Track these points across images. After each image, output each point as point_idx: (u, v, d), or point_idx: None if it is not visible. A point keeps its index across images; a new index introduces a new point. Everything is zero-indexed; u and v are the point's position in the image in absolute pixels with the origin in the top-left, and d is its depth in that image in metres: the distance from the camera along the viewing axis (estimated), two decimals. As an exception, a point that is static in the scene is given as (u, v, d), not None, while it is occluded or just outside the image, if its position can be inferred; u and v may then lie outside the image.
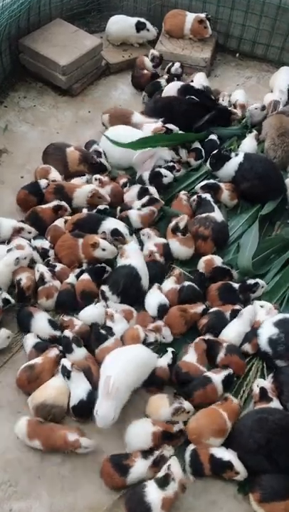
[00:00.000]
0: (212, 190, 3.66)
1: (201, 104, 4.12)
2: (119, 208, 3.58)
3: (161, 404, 2.62)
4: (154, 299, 3.05)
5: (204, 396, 2.68)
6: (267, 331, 2.87)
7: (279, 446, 2.38)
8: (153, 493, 2.26)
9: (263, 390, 2.68)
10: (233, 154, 3.81)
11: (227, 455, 2.41)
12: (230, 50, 5.26)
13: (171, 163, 3.91)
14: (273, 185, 3.75)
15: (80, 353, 2.80)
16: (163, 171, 3.78)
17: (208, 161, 3.86)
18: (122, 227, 3.32)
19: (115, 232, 3.27)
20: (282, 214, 3.77)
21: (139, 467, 2.40)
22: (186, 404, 2.58)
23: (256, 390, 2.69)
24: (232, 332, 2.92)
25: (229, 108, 4.31)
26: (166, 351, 2.86)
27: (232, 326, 2.94)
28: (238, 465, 2.39)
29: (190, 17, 4.87)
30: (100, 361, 2.74)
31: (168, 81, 4.48)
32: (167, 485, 2.26)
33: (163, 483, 2.27)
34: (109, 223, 3.32)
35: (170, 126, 3.96)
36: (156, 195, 3.58)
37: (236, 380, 2.82)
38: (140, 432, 2.51)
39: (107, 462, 2.46)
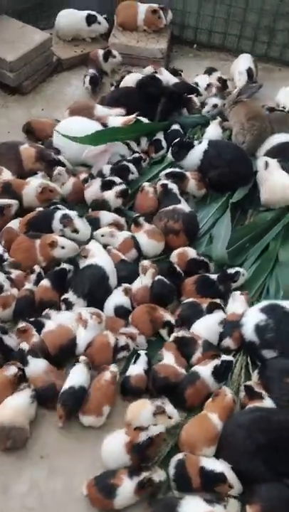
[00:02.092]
0: (177, 178, 3.42)
1: (153, 93, 3.92)
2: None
3: (142, 408, 2.33)
4: (111, 300, 2.79)
5: (196, 393, 2.41)
6: (253, 319, 2.62)
7: (281, 450, 2.11)
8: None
9: (248, 388, 2.41)
10: (196, 142, 3.61)
11: (219, 466, 2.11)
12: (187, 41, 5.09)
13: (138, 155, 3.66)
14: (243, 172, 3.54)
15: (39, 365, 2.47)
16: (131, 167, 3.54)
17: (170, 150, 3.63)
18: (71, 212, 3.09)
19: (63, 216, 3.02)
20: (254, 201, 3.54)
21: (127, 487, 2.10)
22: (169, 408, 2.29)
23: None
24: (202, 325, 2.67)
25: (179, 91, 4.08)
26: (139, 355, 2.56)
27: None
28: (232, 477, 2.09)
29: (142, 8, 4.68)
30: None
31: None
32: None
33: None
34: (61, 212, 3.07)
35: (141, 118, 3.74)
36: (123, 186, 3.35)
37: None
38: (114, 448, 2.20)
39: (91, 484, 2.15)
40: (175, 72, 4.45)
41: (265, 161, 3.44)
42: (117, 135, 3.65)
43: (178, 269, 2.96)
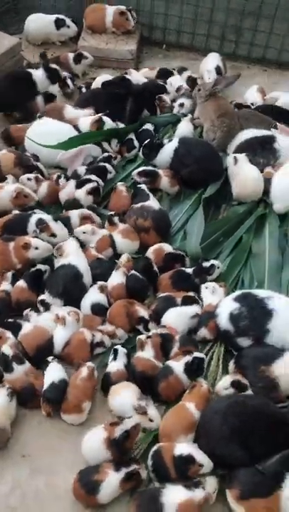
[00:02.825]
0: (150, 176, 3.46)
1: (120, 93, 3.96)
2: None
3: (123, 390, 2.39)
4: (88, 298, 2.81)
5: (169, 387, 2.45)
6: (227, 308, 2.67)
7: (255, 433, 2.15)
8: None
9: (234, 383, 2.42)
10: (166, 141, 3.66)
11: (186, 449, 2.14)
12: (156, 42, 5.15)
13: (107, 154, 3.70)
14: (213, 168, 3.60)
15: (20, 369, 2.48)
16: (108, 167, 3.58)
17: (141, 151, 3.69)
18: (46, 216, 3.10)
19: (39, 222, 3.03)
20: (227, 196, 3.60)
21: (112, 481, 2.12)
22: (152, 412, 2.32)
23: (226, 384, 2.44)
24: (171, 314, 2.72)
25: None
26: (117, 351, 2.59)
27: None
28: (199, 456, 2.12)
29: (110, 10, 4.73)
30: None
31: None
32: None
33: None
34: (37, 217, 3.08)
35: (105, 117, 3.78)
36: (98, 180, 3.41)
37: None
38: (94, 444, 2.22)
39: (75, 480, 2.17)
40: (167, 73, 4.48)
41: (234, 156, 3.49)
42: (89, 139, 3.68)
43: (154, 267, 2.99)
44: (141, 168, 3.53)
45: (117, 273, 2.90)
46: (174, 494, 2.05)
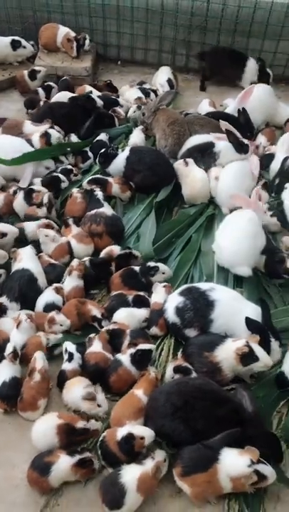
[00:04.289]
0: (100, 184, 3.63)
1: (81, 107, 4.16)
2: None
3: (76, 383, 2.50)
4: (42, 298, 2.94)
5: (119, 380, 2.57)
6: (172, 302, 2.82)
7: (195, 409, 2.28)
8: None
9: (175, 369, 2.57)
10: (120, 150, 3.83)
11: (125, 430, 2.26)
12: (111, 58, 5.37)
13: (69, 167, 3.87)
14: (163, 174, 3.77)
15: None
16: (61, 177, 3.74)
17: (97, 160, 3.86)
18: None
19: None
20: (178, 199, 3.79)
21: (63, 464, 2.23)
22: (100, 397, 2.45)
23: (171, 372, 2.59)
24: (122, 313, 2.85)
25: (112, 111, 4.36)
26: (72, 355, 2.68)
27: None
28: (138, 430, 2.24)
29: (62, 30, 4.94)
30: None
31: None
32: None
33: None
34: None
35: (50, 130, 3.95)
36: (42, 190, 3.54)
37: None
38: (45, 429, 2.34)
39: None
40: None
41: (183, 159, 3.69)
42: (42, 156, 3.85)
43: (111, 266, 3.14)
44: (91, 177, 3.69)
45: (71, 277, 3.02)
46: (130, 473, 2.16)
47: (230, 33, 4.90)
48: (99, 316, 2.87)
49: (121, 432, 2.25)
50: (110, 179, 3.67)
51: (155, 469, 2.14)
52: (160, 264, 3.15)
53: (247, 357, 2.47)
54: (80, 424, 2.37)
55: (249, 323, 2.65)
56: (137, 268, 3.12)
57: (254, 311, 2.74)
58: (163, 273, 3.13)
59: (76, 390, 2.51)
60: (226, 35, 4.93)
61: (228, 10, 4.71)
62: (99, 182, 3.63)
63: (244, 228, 3.11)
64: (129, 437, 2.21)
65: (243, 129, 3.98)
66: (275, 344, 2.68)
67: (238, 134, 3.73)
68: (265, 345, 2.61)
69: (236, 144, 3.72)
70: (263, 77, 4.78)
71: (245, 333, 2.68)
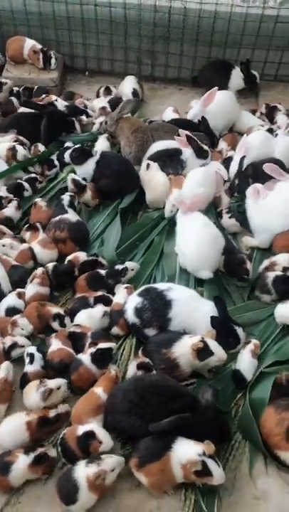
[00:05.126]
0: (79, 188, 3.72)
1: (36, 114, 4.26)
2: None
3: (30, 391, 2.53)
4: (4, 302, 3.00)
5: (80, 378, 2.62)
6: (132, 303, 2.89)
7: (151, 404, 2.36)
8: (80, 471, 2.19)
9: (138, 365, 2.65)
10: (94, 152, 3.92)
11: (88, 427, 2.32)
12: (79, 69, 5.48)
13: (33, 175, 3.94)
14: (128, 181, 3.86)
15: None
16: (25, 185, 3.82)
17: (70, 155, 3.89)
18: None
19: None
20: (143, 204, 3.88)
21: (21, 463, 2.28)
22: (50, 383, 2.51)
23: (134, 369, 2.66)
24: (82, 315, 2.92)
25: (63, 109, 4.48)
26: (33, 355, 2.72)
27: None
28: (100, 433, 2.30)
29: (28, 43, 5.02)
30: None
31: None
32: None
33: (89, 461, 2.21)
34: None
35: (18, 146, 4.03)
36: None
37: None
38: (12, 427, 2.40)
39: None
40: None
41: (146, 163, 3.79)
42: (13, 171, 3.96)
43: (75, 271, 3.22)
44: (76, 177, 3.76)
45: (32, 284, 3.07)
46: (81, 469, 2.22)
47: (192, 43, 5.03)
48: (62, 312, 2.93)
49: (83, 429, 2.31)
50: (87, 185, 3.76)
51: (95, 477, 2.17)
52: (127, 263, 3.23)
53: (202, 352, 2.56)
54: (52, 412, 2.46)
55: (212, 320, 2.74)
56: (102, 271, 3.19)
57: (211, 308, 2.83)
58: (132, 269, 3.23)
59: (34, 394, 2.54)
60: (188, 45, 5.06)
61: (189, 20, 4.84)
62: (79, 185, 3.71)
63: (202, 234, 3.20)
64: (90, 435, 2.28)
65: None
66: (239, 330, 2.81)
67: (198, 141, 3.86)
68: (232, 336, 2.77)
69: (197, 150, 3.84)
70: (249, 80, 4.90)
71: (203, 330, 2.77)
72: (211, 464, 2.18)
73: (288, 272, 3.11)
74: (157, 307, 2.81)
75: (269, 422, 2.40)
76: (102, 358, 2.65)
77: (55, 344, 2.74)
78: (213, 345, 2.58)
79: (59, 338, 2.77)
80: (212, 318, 2.74)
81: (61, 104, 4.57)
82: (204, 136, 4.23)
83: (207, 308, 2.84)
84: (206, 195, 3.66)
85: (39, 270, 3.12)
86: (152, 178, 3.76)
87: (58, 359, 2.69)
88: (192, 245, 3.21)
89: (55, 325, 2.91)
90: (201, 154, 3.85)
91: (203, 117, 4.21)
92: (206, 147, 3.92)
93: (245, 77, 4.88)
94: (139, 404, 2.36)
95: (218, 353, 2.57)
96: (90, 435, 2.28)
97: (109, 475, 2.19)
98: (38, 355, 2.71)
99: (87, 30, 5.13)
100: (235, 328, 2.79)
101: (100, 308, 2.93)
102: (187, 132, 3.85)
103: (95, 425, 2.34)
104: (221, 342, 2.68)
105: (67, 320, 2.93)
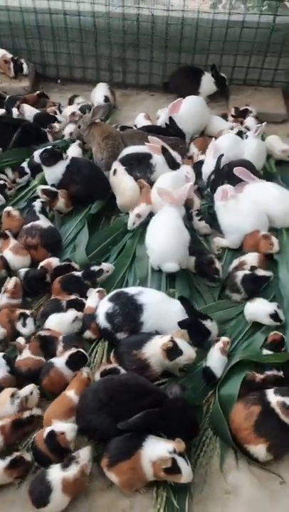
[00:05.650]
0: (50, 196, 3.75)
1: (8, 124, 4.30)
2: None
3: (4, 401, 2.53)
4: None
5: (51, 382, 2.63)
6: (103, 308, 2.92)
7: (121, 403, 2.38)
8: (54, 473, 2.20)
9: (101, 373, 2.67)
10: (65, 156, 3.94)
11: (49, 428, 2.33)
12: (51, 77, 5.52)
13: (2, 182, 3.97)
14: (98, 186, 3.90)
15: None
16: (-2, 195, 3.85)
17: (40, 155, 3.89)
18: None
19: None
20: (115, 208, 3.93)
21: None
22: (22, 392, 2.52)
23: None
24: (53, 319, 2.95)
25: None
26: None
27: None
28: (59, 426, 2.32)
29: (-2, 52, 5.07)
30: None
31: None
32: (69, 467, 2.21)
33: (66, 464, 2.23)
34: None
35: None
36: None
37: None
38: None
39: None
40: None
41: (114, 168, 3.84)
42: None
43: (47, 277, 3.23)
44: (45, 187, 3.80)
45: (3, 297, 3.09)
46: (55, 473, 2.23)
47: (162, 49, 5.13)
48: (28, 313, 2.96)
49: (46, 430, 2.32)
50: (59, 192, 3.78)
51: (80, 474, 2.20)
52: (103, 264, 3.27)
53: (172, 351, 2.59)
54: (26, 413, 2.46)
55: (180, 324, 2.78)
56: (77, 273, 3.22)
57: (181, 308, 2.87)
58: (107, 271, 3.27)
59: (9, 405, 2.53)
60: (158, 52, 5.15)
61: (157, 27, 4.94)
62: (50, 193, 3.75)
63: (166, 224, 3.29)
64: (51, 434, 2.29)
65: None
66: (208, 322, 2.86)
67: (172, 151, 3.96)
68: (201, 331, 2.82)
69: (170, 162, 3.92)
70: (218, 83, 5.00)
71: (174, 330, 2.79)
72: (181, 461, 2.21)
73: (256, 270, 3.17)
74: (128, 312, 2.84)
75: (238, 416, 2.45)
76: (80, 360, 2.68)
77: (25, 353, 2.74)
78: (182, 345, 2.62)
79: (30, 347, 2.76)
80: (179, 323, 2.78)
81: (31, 111, 4.60)
82: (180, 141, 4.34)
83: (177, 308, 2.88)
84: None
85: (10, 283, 3.11)
86: (120, 182, 3.81)
87: (25, 368, 2.70)
88: (157, 236, 3.31)
89: (19, 325, 2.92)
90: (173, 166, 3.92)
91: (170, 118, 4.29)
92: (179, 160, 4.00)
93: (216, 80, 4.97)
94: (109, 403, 2.38)
95: (187, 352, 2.61)
96: (51, 435, 2.29)
97: (88, 467, 2.24)
98: (2, 361, 2.70)
99: (57, 38, 5.20)
100: (204, 322, 2.84)
101: (71, 313, 2.94)
102: (163, 143, 3.94)
103: (58, 424, 2.35)
104: (193, 339, 2.76)
105: (29, 320, 2.95)
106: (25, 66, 5.05)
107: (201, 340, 2.84)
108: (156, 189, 3.56)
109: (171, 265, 3.21)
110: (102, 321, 2.90)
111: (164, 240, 3.24)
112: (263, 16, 4.87)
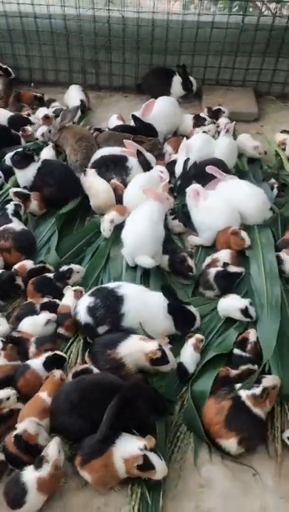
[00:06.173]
0: (23, 198, 3.75)
1: None
2: None
3: None
4: None
5: (27, 384, 2.63)
6: (84, 303, 2.93)
7: (93, 402, 2.40)
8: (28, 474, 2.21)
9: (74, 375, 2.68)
10: (36, 158, 3.95)
11: (20, 428, 2.34)
12: (24, 81, 5.52)
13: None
14: (71, 188, 3.93)
15: None
16: None
17: (11, 158, 3.91)
18: None
19: None
20: (89, 210, 3.94)
21: None
22: (1, 393, 2.53)
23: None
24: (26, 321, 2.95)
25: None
26: None
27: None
28: (23, 424, 2.32)
29: None
30: None
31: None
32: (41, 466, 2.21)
33: (38, 464, 2.23)
34: None
35: None
36: None
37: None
38: None
39: None
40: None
41: (84, 169, 3.86)
42: None
43: (18, 280, 3.22)
44: (17, 189, 3.80)
45: None
46: (30, 473, 2.24)
47: (134, 51, 5.15)
48: None
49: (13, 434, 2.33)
50: (31, 194, 3.79)
51: (53, 471, 2.22)
52: (72, 265, 3.28)
53: (159, 360, 2.64)
54: (5, 409, 2.47)
55: (169, 307, 2.87)
56: (50, 275, 3.22)
57: (160, 298, 2.92)
58: (78, 272, 3.28)
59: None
60: (130, 53, 5.18)
61: (128, 29, 4.96)
62: (22, 195, 3.75)
63: (142, 217, 3.34)
64: (17, 436, 2.30)
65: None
66: (191, 308, 2.96)
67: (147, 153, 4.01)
68: (188, 316, 2.94)
69: (144, 165, 3.95)
70: (185, 84, 5.02)
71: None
72: (153, 457, 2.23)
73: (228, 267, 3.21)
74: (110, 304, 2.86)
75: (209, 411, 2.48)
76: (57, 362, 2.69)
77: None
78: (170, 355, 2.69)
79: (5, 355, 2.76)
80: (169, 305, 2.86)
81: (5, 114, 4.59)
82: (158, 141, 4.40)
83: (156, 298, 2.93)
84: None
85: None
86: (92, 184, 3.84)
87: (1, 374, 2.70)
88: (134, 225, 3.35)
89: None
90: (147, 169, 3.95)
91: (133, 115, 4.38)
92: (153, 162, 4.05)
93: (183, 81, 5.01)
94: (80, 404, 2.39)
95: (172, 361, 2.69)
96: (17, 434, 2.30)
97: (60, 461, 2.25)
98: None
99: (29, 42, 5.20)
100: (188, 307, 2.93)
101: (43, 316, 2.95)
102: (139, 146, 3.98)
103: (24, 424, 2.34)
104: (180, 325, 2.88)
105: (2, 321, 2.95)
106: None
107: (188, 325, 2.92)
108: (141, 189, 3.59)
109: (147, 261, 3.23)
110: (83, 316, 2.90)
111: (140, 230, 3.27)
112: (232, 17, 4.93)
